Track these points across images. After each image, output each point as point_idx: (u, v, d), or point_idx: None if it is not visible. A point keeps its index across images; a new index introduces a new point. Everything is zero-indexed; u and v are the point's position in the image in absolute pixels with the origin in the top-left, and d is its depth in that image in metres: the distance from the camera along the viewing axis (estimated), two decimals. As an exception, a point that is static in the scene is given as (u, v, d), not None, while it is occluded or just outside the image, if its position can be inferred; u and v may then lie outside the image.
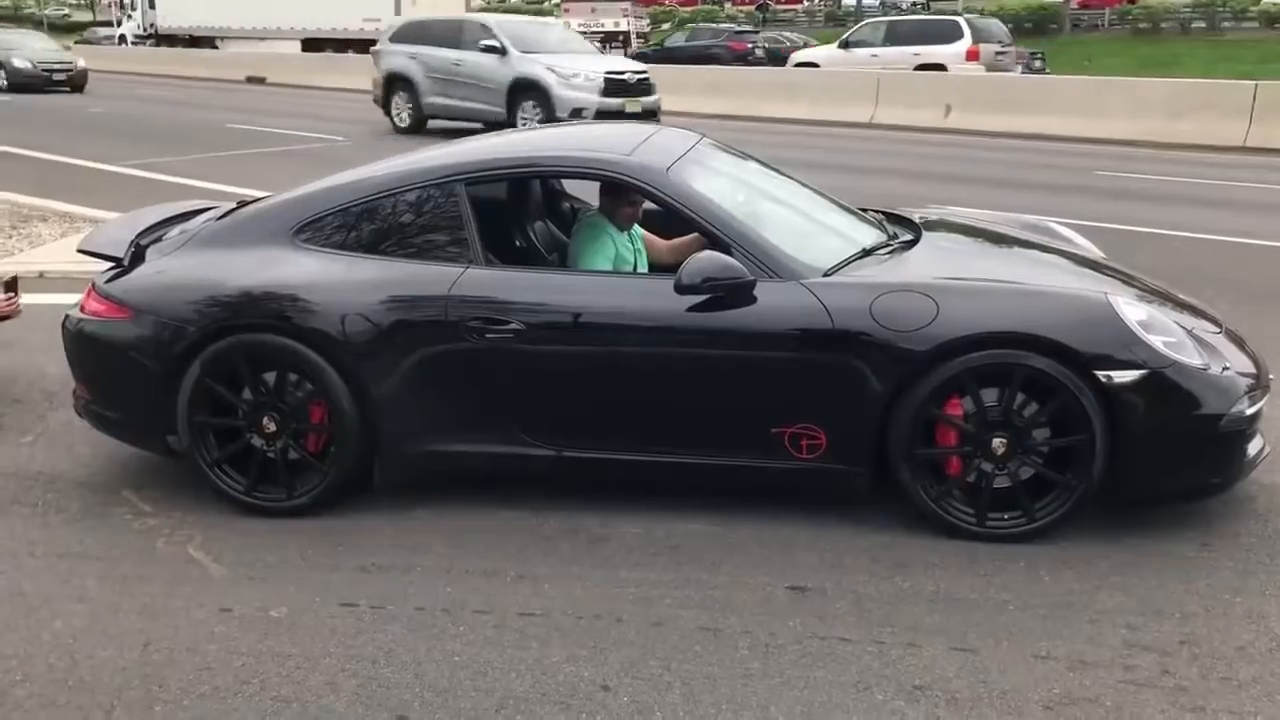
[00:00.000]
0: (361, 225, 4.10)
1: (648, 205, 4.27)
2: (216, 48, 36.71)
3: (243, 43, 35.82)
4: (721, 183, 4.30)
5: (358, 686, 3.02)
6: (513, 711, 2.91)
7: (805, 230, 4.31)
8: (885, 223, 4.72)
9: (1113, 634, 3.24)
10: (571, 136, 4.72)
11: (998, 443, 3.72)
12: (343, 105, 22.74)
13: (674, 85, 19.73)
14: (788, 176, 4.87)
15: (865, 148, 15.89)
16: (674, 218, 4.06)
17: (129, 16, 43.38)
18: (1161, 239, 9.15)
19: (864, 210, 4.83)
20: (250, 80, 30.62)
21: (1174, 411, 3.65)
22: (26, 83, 25.43)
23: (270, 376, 3.98)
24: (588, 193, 4.84)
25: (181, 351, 3.95)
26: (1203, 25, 39.88)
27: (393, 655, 3.17)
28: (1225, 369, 3.76)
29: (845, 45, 24.57)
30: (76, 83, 26.40)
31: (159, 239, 4.42)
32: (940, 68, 21.68)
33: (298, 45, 33.26)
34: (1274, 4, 39.18)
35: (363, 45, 29.51)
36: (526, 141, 4.65)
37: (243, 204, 4.65)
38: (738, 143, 5.08)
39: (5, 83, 25.66)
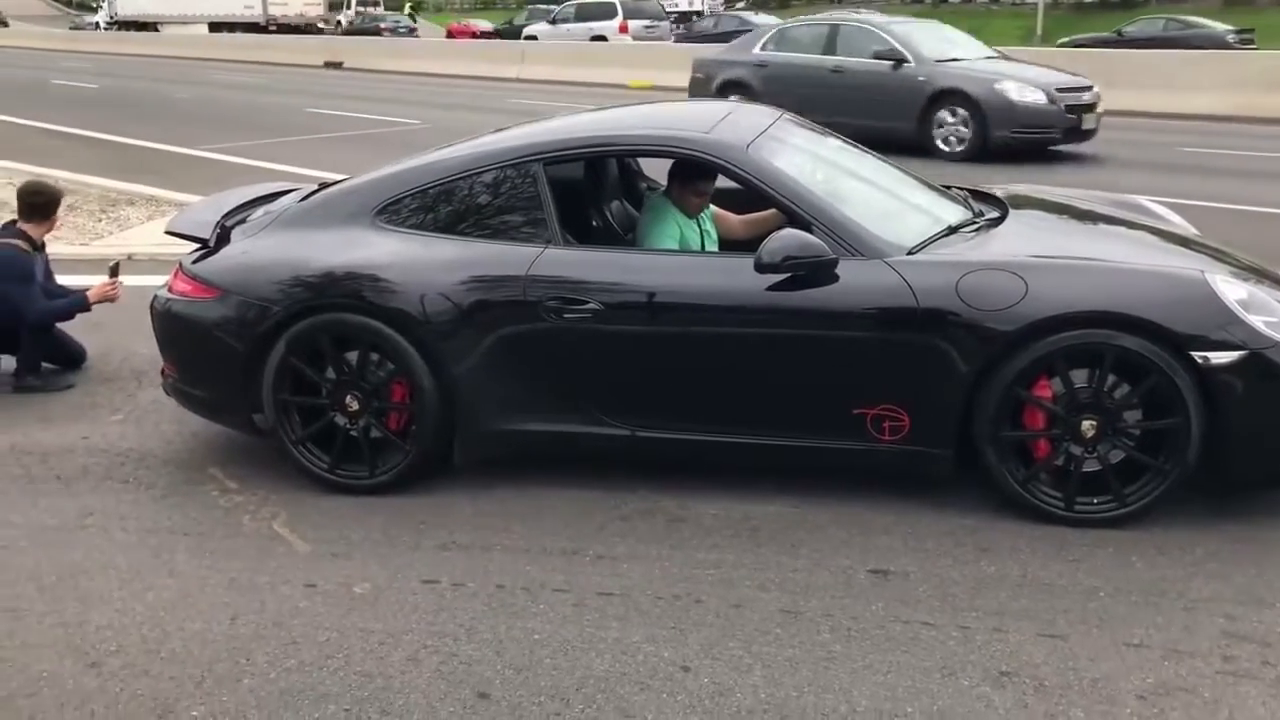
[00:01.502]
0: (440, 206, 4.12)
1: (719, 181, 4.22)
2: (158, 30, 46.45)
3: (172, 26, 46.48)
4: (802, 160, 4.24)
5: (440, 663, 3.04)
6: (593, 691, 2.91)
7: (889, 208, 4.23)
8: (970, 200, 4.62)
9: (1210, 623, 3.14)
10: (650, 115, 4.68)
11: (1087, 425, 3.62)
12: (419, 89, 22.94)
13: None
14: (869, 153, 4.78)
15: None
16: (754, 195, 4.00)
17: (99, 6, 54.58)
18: (1254, 216, 8.84)
19: (948, 187, 4.73)
20: (328, 65, 31.07)
21: (1275, 393, 3.51)
22: (1036, 133, 12.19)
23: (353, 355, 4.02)
24: (663, 173, 4.81)
25: (266, 331, 4.00)
26: (1299, -6, 38.45)
27: (474, 633, 3.19)
28: (1330, 350, 3.60)
29: (553, 21, 33.25)
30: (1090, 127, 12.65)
31: (243, 220, 4.49)
32: (603, 39, 30.03)
33: (205, 27, 44.23)
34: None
35: (246, 27, 42.86)
36: (604, 121, 4.62)
37: (324, 186, 4.70)
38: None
39: (1006, 134, 12.06)
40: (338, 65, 30.91)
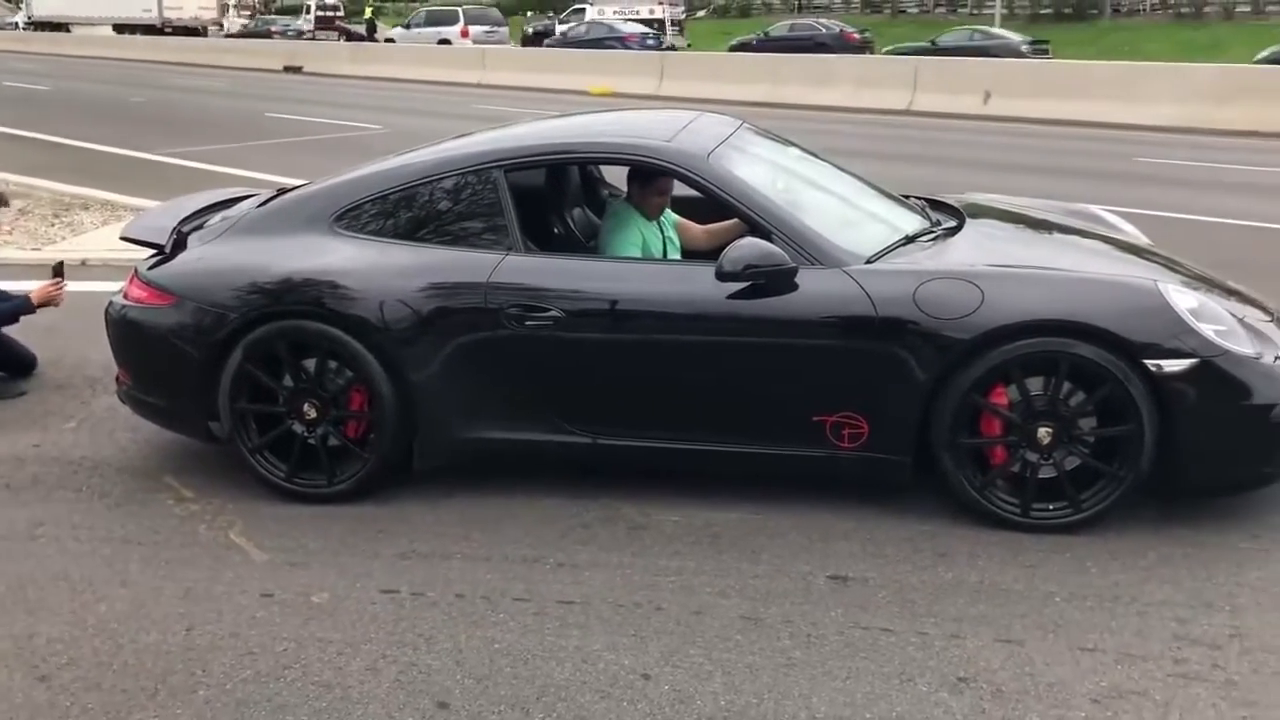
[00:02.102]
0: (400, 212, 4.10)
1: (682, 191, 4.24)
2: (69, 30, 48.50)
3: (80, 27, 48.73)
4: (762, 169, 4.26)
5: (399, 673, 3.02)
6: (553, 699, 2.90)
7: (847, 217, 4.26)
8: (928, 209, 4.66)
9: (1161, 627, 3.19)
10: (612, 123, 4.68)
11: (1043, 432, 3.66)
12: (380, 94, 22.82)
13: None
14: (829, 162, 4.82)
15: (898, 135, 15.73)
16: (714, 204, 4.02)
17: (19, 7, 58.77)
18: (1206, 226, 9.00)
19: (906, 197, 4.78)
20: (287, 69, 30.84)
21: (1225, 401, 3.58)
22: None
23: (311, 363, 3.99)
24: (625, 180, 4.82)
25: (223, 338, 3.96)
26: (1247, 9, 39.14)
27: (433, 642, 3.17)
28: (1277, 358, 3.68)
29: (407, 26, 38.01)
30: None
31: (200, 226, 4.44)
32: (447, 42, 33.88)
33: (110, 29, 46.98)
34: (1321, -14, 38.40)
35: (145, 29, 45.15)
36: (567, 128, 4.62)
37: (282, 191, 4.67)
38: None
39: None
40: (297, 69, 30.69)
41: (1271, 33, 32.61)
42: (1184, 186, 11.09)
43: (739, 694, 2.91)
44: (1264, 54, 20.60)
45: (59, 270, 5.33)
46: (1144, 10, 42.49)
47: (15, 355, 5.42)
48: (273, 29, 45.76)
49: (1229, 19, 38.34)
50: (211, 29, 48.03)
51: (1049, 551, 3.62)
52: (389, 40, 37.11)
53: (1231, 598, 3.33)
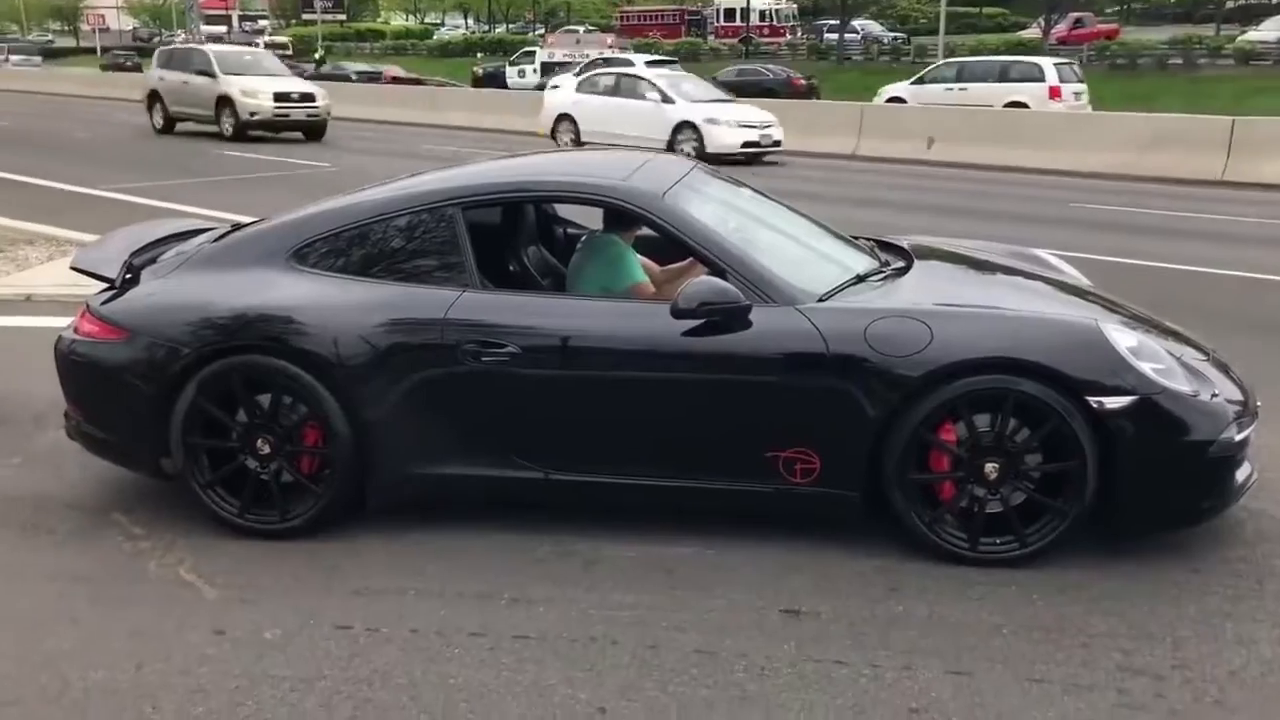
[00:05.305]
0: (358, 248, 4.11)
1: (642, 231, 4.30)
2: None
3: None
4: (715, 209, 4.34)
5: (353, 709, 3.00)
6: (510, 734, 2.90)
7: (799, 256, 4.34)
8: (876, 250, 4.76)
9: (1106, 658, 3.26)
10: (568, 162, 4.75)
11: (990, 468, 3.75)
12: (329, 132, 22.75)
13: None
14: (780, 203, 4.91)
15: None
16: (669, 242, 4.08)
17: None
18: (1141, 269, 9.25)
19: (855, 238, 4.88)
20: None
21: (1164, 437, 3.68)
22: None
23: (265, 398, 3.97)
24: (582, 217, 4.88)
25: (176, 373, 3.94)
26: (1179, 62, 40.38)
27: (388, 678, 3.15)
28: (1214, 395, 3.80)
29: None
30: None
31: (153, 260, 4.42)
32: None
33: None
34: (1249, 42, 39.74)
35: None
36: (523, 166, 4.67)
37: (238, 226, 4.66)
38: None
39: None
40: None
41: (1201, 85, 33.71)
42: (1118, 231, 11.40)
43: (695, 727, 2.93)
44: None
45: None
46: (1082, 61, 43.70)
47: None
48: None
49: (1162, 71, 39.51)
50: None
51: (996, 585, 3.68)
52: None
53: (1173, 629, 3.42)
